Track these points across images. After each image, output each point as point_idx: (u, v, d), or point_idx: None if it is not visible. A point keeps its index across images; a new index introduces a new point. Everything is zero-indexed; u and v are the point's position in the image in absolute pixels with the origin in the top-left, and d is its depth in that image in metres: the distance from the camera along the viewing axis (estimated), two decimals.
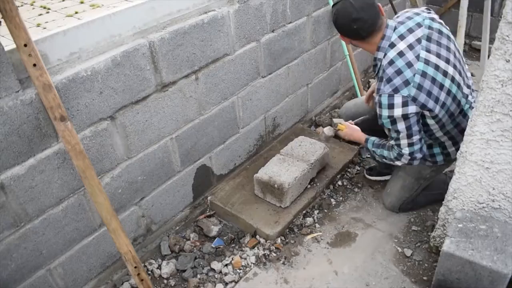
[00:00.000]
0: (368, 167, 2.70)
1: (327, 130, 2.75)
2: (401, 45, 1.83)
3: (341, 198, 2.51)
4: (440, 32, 1.91)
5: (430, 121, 1.92)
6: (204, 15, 2.01)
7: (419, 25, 1.88)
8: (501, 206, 1.78)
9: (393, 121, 1.87)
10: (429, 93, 1.81)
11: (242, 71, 2.35)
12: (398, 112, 1.82)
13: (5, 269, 1.60)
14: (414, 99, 1.80)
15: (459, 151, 1.78)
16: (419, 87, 1.79)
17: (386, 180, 2.53)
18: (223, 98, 2.30)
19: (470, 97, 2.02)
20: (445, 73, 1.85)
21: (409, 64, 1.80)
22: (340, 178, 2.63)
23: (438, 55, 1.85)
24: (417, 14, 1.93)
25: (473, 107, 1.87)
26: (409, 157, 1.98)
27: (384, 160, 2.12)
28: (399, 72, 1.80)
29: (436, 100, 1.83)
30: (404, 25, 1.88)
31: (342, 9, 1.84)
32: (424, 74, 1.80)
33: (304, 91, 2.96)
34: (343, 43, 3.01)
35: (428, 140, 2.06)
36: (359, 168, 2.72)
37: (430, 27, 1.89)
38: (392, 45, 1.84)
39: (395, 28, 1.87)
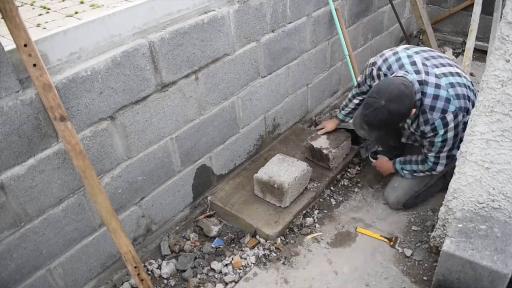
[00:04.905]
0: (372, 150, 2.75)
1: None
2: (419, 77, 1.94)
3: (341, 198, 2.51)
4: (423, 48, 2.10)
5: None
6: (204, 15, 2.01)
7: (407, 49, 2.07)
8: (501, 206, 1.78)
9: (445, 136, 1.95)
10: (464, 96, 1.93)
11: (242, 71, 2.35)
12: (451, 124, 1.92)
13: (5, 269, 1.60)
14: (461, 108, 1.91)
15: (459, 151, 1.78)
16: (458, 97, 1.92)
17: None
18: (223, 98, 2.30)
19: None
20: (458, 74, 2.01)
21: (437, 86, 1.92)
22: (340, 178, 2.63)
23: (442, 65, 2.02)
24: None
25: None
26: (442, 169, 2.11)
27: (414, 174, 2.24)
28: (435, 97, 1.91)
29: (468, 98, 1.95)
30: (400, 59, 2.03)
31: (397, 99, 1.86)
32: (452, 85, 1.93)
33: (304, 91, 2.96)
34: (343, 42, 3.00)
35: None
36: (359, 168, 2.72)
37: (415, 51, 2.06)
38: (420, 82, 1.93)
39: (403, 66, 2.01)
